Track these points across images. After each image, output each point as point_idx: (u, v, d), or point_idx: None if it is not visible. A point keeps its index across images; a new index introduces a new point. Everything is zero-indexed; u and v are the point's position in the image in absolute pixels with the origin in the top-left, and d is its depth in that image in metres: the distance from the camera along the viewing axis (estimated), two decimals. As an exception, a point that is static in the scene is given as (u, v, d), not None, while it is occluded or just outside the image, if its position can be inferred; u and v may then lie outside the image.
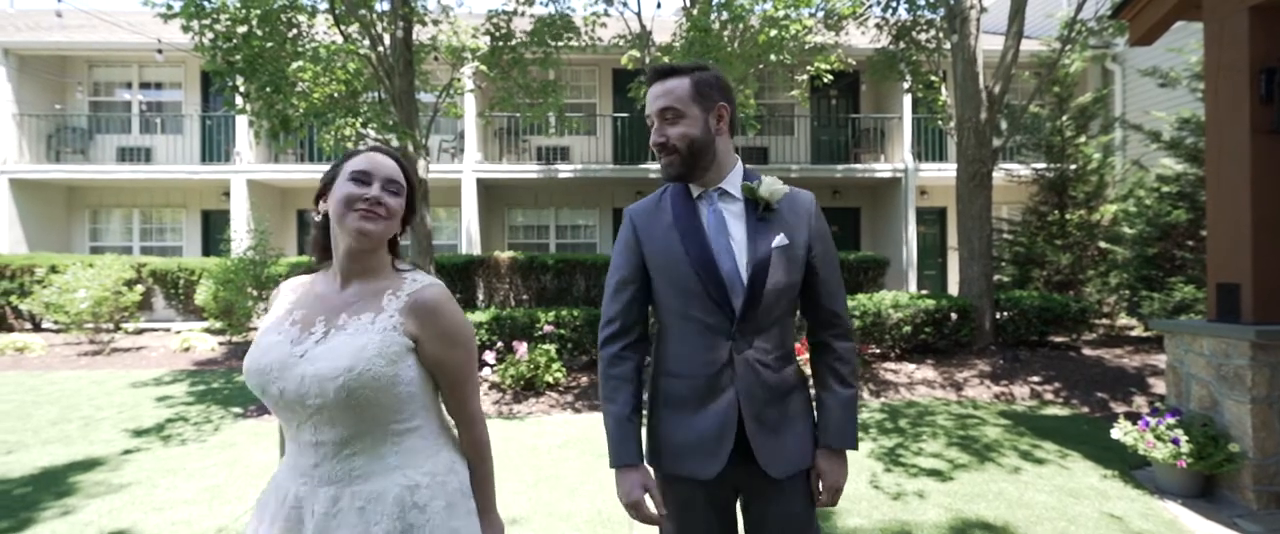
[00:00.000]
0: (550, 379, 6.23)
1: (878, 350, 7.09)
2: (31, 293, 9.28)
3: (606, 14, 8.24)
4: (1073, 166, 9.36)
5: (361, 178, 1.28)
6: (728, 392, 1.47)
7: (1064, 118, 9.40)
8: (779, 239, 1.48)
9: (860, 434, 4.88)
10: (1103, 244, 8.84)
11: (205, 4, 6.17)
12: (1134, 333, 8.54)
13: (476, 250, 11.37)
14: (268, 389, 1.23)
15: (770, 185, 1.51)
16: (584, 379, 6.60)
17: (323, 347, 1.24)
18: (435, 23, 8.08)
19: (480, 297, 9.59)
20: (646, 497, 1.50)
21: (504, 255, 9.60)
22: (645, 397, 1.57)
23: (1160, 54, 8.65)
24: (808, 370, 1.64)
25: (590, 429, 5.15)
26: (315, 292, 1.33)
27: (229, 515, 3.46)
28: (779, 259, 1.47)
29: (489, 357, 6.46)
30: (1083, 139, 9.41)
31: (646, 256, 1.54)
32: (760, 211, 1.50)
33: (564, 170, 11.90)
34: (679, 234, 1.50)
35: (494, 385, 6.32)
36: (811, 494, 1.55)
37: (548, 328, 6.76)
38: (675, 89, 1.47)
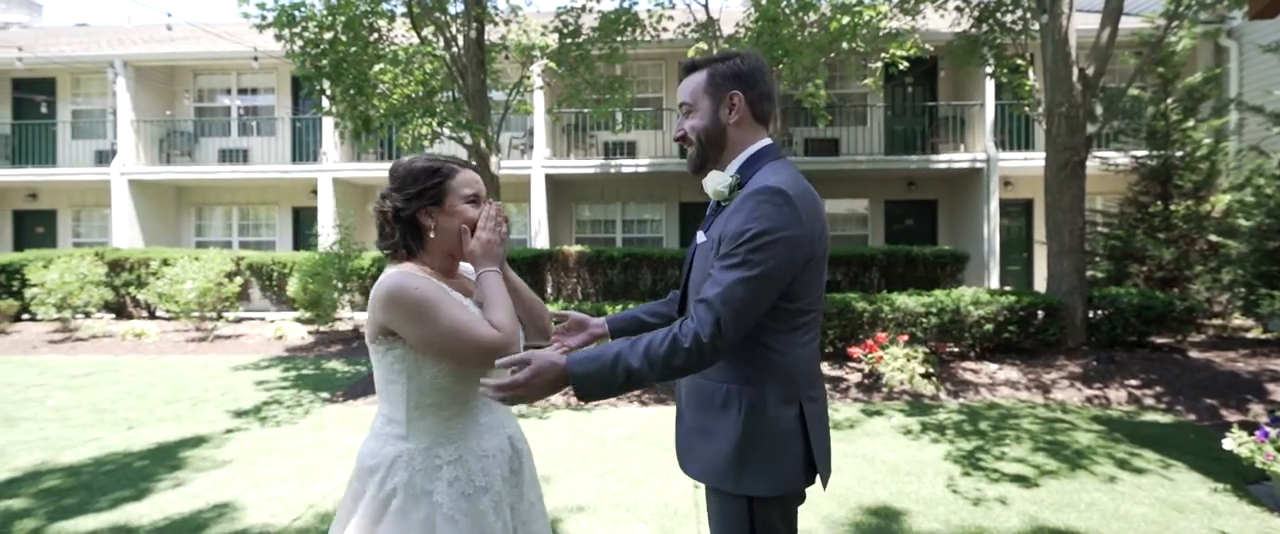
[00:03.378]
0: (617, 372, 6.28)
1: (956, 349, 6.77)
2: (147, 284, 10.16)
3: (672, 5, 8.19)
4: (1179, 153, 8.65)
5: (476, 200, 1.47)
6: None
7: (1169, 101, 8.69)
8: (700, 236, 1.52)
9: (935, 436, 4.70)
10: (1213, 237, 8.12)
11: (295, 14, 6.56)
12: (1250, 334, 7.82)
13: (545, 244, 11.60)
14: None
15: (711, 180, 1.50)
16: (650, 373, 6.62)
17: None
18: (506, 22, 8.30)
19: (549, 289, 9.79)
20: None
21: (572, 249, 9.75)
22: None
23: (1284, 27, 7.87)
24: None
25: (656, 422, 5.18)
26: (438, 282, 1.45)
27: (319, 493, 3.68)
28: (700, 255, 1.50)
29: (557, 349, 6.59)
30: (1191, 123, 8.67)
31: None
32: (715, 206, 1.52)
33: (630, 165, 11.96)
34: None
35: (562, 377, 6.44)
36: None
37: (615, 321, 6.81)
38: (690, 83, 1.50)
